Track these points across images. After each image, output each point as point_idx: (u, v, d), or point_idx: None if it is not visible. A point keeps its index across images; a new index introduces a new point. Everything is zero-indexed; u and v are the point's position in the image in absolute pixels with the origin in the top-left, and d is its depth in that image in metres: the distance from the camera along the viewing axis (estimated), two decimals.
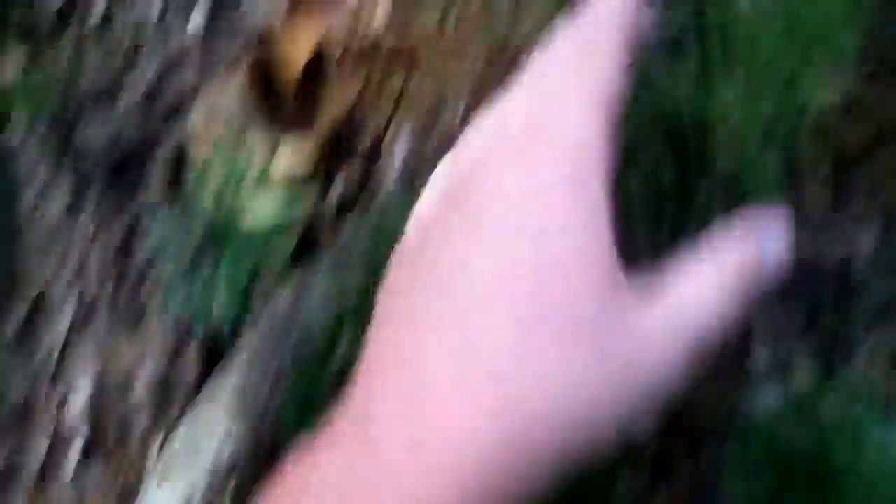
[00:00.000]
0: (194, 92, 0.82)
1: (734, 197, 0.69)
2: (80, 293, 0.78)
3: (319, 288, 0.71)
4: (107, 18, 0.90)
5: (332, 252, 0.74)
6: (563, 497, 0.39)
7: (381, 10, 0.83)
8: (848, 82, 0.71)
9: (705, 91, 0.71)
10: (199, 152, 0.80)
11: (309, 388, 0.67)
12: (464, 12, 0.86)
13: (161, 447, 0.74)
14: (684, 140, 0.70)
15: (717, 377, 0.65)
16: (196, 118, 0.81)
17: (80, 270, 0.78)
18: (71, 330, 0.77)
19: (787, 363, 0.67)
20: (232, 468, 0.67)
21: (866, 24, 0.69)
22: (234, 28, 0.85)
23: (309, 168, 0.80)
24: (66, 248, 0.79)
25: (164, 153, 0.80)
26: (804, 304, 0.68)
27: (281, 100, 0.82)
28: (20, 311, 0.79)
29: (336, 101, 0.81)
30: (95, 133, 0.82)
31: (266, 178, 0.78)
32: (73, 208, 0.80)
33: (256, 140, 0.81)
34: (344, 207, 0.79)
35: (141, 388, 0.76)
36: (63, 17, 0.91)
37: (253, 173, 0.78)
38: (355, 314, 0.69)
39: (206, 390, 0.72)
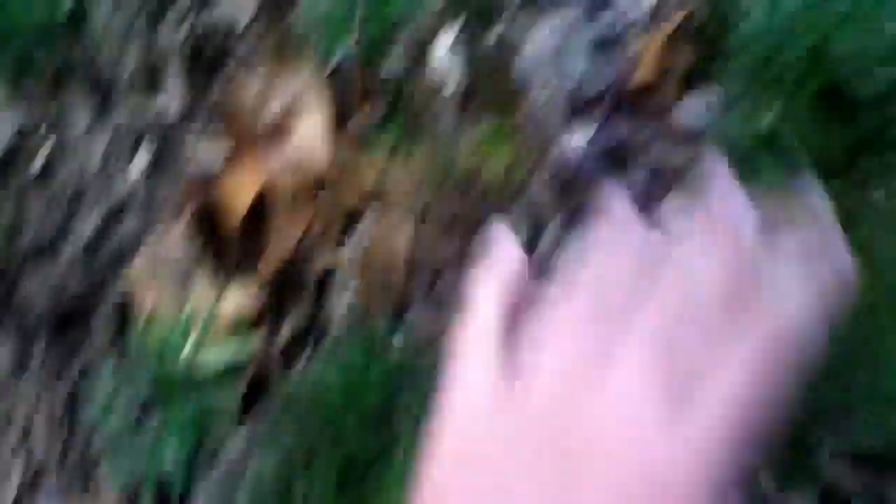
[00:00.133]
0: (137, 240, 0.82)
1: None
2: (28, 456, 0.76)
3: (268, 440, 0.71)
4: (48, 165, 0.90)
5: (281, 401, 0.74)
6: None
7: (324, 150, 0.85)
8: None
9: None
10: (143, 302, 0.80)
11: None
12: (409, 148, 0.88)
13: None
14: None
15: None
16: (140, 267, 0.81)
17: (27, 432, 0.76)
18: (19, 496, 0.75)
19: None
20: None
21: None
22: (177, 173, 0.86)
23: (256, 310, 0.80)
24: (12, 410, 0.77)
25: (107, 306, 0.80)
26: None
27: (226, 243, 0.83)
28: None
29: (281, 242, 0.82)
30: (38, 287, 0.82)
31: (213, 324, 0.78)
32: (18, 368, 0.79)
33: (203, 285, 0.81)
34: (293, 349, 0.79)
35: None
36: (3, 165, 0.91)
37: (199, 321, 0.78)
38: (306, 468, 0.69)
39: None
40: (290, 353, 0.78)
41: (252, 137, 0.86)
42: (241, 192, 0.83)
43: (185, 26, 0.96)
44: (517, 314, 0.39)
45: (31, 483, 0.76)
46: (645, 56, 0.90)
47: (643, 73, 0.90)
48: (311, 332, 0.78)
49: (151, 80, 0.93)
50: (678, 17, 0.90)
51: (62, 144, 0.90)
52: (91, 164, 0.88)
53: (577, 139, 0.90)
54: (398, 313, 0.78)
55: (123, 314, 0.80)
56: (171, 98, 0.90)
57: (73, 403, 0.78)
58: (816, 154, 0.73)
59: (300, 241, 0.81)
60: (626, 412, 0.35)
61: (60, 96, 0.92)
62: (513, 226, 0.92)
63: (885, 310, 0.67)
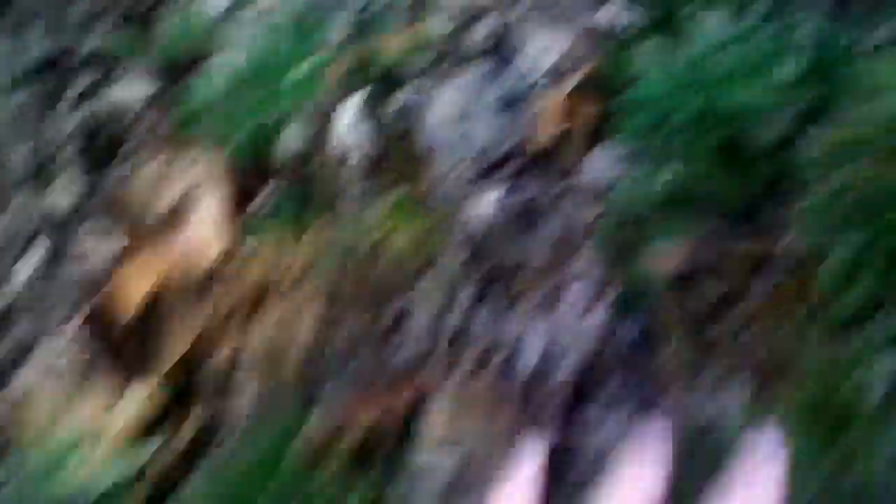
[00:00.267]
0: (26, 350, 0.77)
1: None
2: None
3: None
4: None
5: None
6: None
7: (220, 238, 0.81)
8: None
9: None
10: (31, 415, 0.75)
11: None
12: (313, 224, 0.85)
13: None
14: None
15: None
16: (28, 378, 0.76)
17: None
18: None
19: None
20: None
21: None
22: (70, 272, 0.82)
23: (154, 413, 0.76)
24: None
25: None
26: None
27: (122, 344, 0.79)
28: None
29: (178, 338, 0.78)
30: None
31: (108, 434, 0.73)
32: None
33: (99, 390, 0.77)
34: (194, 451, 0.74)
35: None
36: None
37: (93, 432, 0.73)
38: None
39: None
40: (192, 454, 0.73)
41: (145, 230, 0.82)
42: (134, 289, 0.79)
43: (78, 115, 0.93)
44: None
45: None
46: (549, 113, 0.89)
47: (548, 131, 0.88)
48: (215, 429, 0.74)
49: (44, 173, 0.89)
50: (579, 74, 0.89)
51: None
52: None
53: (487, 202, 0.88)
54: (308, 398, 0.75)
55: (9, 431, 0.75)
56: (63, 193, 0.87)
57: None
58: (718, 206, 0.72)
59: (199, 335, 0.77)
60: None
61: None
62: (424, 296, 0.89)
63: None
